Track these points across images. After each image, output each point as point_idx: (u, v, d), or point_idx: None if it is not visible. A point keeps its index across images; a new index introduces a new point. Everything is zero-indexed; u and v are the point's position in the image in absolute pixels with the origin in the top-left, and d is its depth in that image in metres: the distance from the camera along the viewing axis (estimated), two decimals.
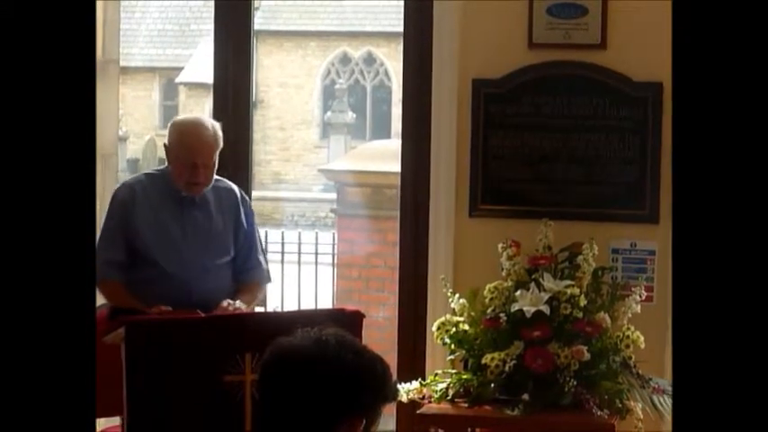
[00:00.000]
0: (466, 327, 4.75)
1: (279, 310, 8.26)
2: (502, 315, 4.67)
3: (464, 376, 4.68)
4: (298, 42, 24.62)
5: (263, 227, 9.63)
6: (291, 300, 9.59)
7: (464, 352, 4.74)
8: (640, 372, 4.64)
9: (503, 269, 4.79)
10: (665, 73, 4.62)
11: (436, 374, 4.80)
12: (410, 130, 5.40)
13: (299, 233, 10.50)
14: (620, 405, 4.55)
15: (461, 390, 4.67)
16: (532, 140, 5.14)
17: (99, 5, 5.63)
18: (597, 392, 4.54)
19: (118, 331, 4.28)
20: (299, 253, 10.04)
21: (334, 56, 24.83)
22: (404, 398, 4.71)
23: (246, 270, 4.74)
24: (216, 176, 4.68)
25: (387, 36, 23.20)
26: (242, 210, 4.75)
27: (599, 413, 4.47)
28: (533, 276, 4.72)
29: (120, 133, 15.79)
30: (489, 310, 4.72)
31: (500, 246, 4.82)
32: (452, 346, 4.76)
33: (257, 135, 20.95)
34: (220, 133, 4.65)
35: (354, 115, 23.62)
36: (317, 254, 10.08)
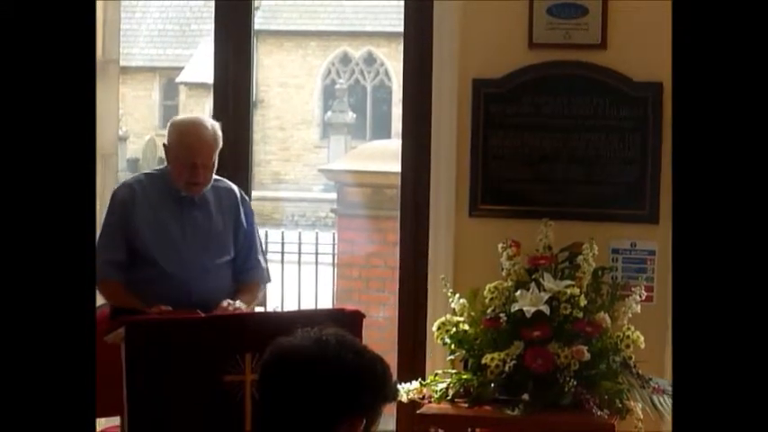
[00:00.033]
0: (466, 327, 4.75)
1: (279, 310, 8.25)
2: (502, 315, 4.67)
3: (464, 376, 4.68)
4: (298, 42, 24.63)
5: (264, 227, 9.63)
6: (291, 300, 9.58)
7: (464, 352, 4.74)
8: (640, 372, 4.64)
9: (503, 269, 4.79)
10: (665, 73, 4.62)
11: (436, 374, 4.80)
12: (410, 130, 5.40)
13: (300, 233, 10.50)
14: (620, 405, 4.55)
15: (461, 390, 4.67)
16: (532, 140, 5.14)
17: (99, 5, 5.63)
18: (597, 392, 4.54)
19: (118, 331, 4.28)
20: (300, 253, 10.04)
21: (334, 56, 24.83)
22: (404, 398, 4.71)
23: (246, 270, 4.74)
24: (215, 176, 4.68)
25: (387, 36, 23.20)
26: (241, 210, 4.75)
27: (599, 413, 4.47)
28: (533, 276, 4.72)
29: (121, 133, 15.79)
30: (489, 310, 4.72)
31: (500, 246, 4.82)
32: (452, 346, 4.76)
33: (257, 135, 20.97)
34: (220, 133, 4.65)
35: (354, 115, 23.62)
36: (317, 254, 10.08)
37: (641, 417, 4.54)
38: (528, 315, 4.59)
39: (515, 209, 5.14)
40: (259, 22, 21.79)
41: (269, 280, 4.92)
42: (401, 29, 5.47)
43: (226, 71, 5.61)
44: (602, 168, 5.09)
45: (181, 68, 24.26)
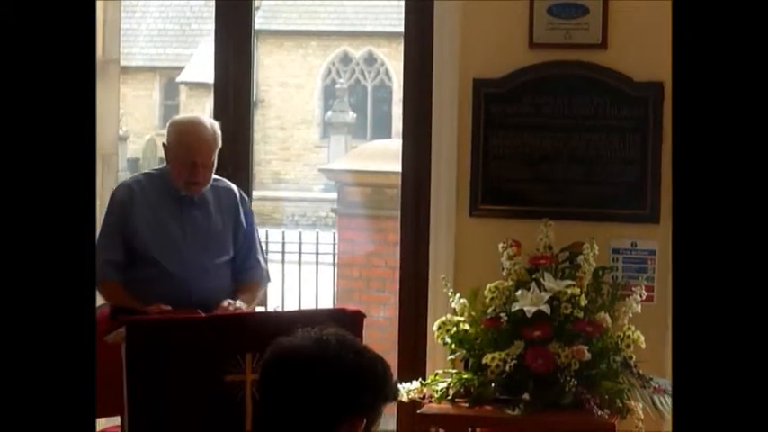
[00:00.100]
0: (466, 326, 4.74)
1: (279, 309, 8.25)
2: (502, 315, 4.67)
3: (465, 376, 4.68)
4: (298, 42, 24.62)
5: (264, 227, 9.64)
6: (292, 299, 9.59)
7: (465, 352, 4.74)
8: (641, 371, 4.64)
9: (503, 269, 4.79)
10: (665, 73, 4.62)
11: (437, 374, 4.80)
12: (411, 130, 5.40)
13: (300, 233, 10.50)
14: (620, 405, 4.55)
15: (462, 389, 4.66)
16: (533, 140, 5.14)
17: (99, 5, 5.63)
18: (598, 392, 4.54)
19: (118, 330, 4.28)
20: (300, 253, 10.04)
21: (334, 55, 24.83)
22: (404, 397, 4.70)
23: (245, 270, 4.74)
24: (215, 176, 4.68)
25: (387, 36, 23.19)
26: (241, 210, 4.75)
27: (599, 413, 4.46)
28: (534, 276, 4.72)
29: (121, 133, 15.80)
30: (490, 310, 4.72)
31: (500, 245, 4.82)
32: (453, 346, 4.76)
33: (257, 135, 20.96)
34: (219, 132, 4.65)
35: (355, 115, 23.62)
36: (317, 254, 10.08)
37: (642, 416, 4.54)
38: (528, 315, 4.59)
39: (516, 209, 5.13)
40: (259, 21, 21.78)
41: (269, 280, 4.92)
42: (401, 29, 5.47)
43: (226, 71, 5.61)
44: (602, 168, 5.09)
45: (181, 68, 24.25)
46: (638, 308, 4.73)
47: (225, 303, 4.53)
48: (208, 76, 8.77)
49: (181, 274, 4.55)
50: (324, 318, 3.24)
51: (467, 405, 4.63)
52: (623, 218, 5.07)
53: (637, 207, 5.06)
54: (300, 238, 10.09)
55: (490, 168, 5.17)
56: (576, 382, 4.51)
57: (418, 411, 4.69)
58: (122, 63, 6.51)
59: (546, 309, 4.59)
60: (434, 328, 4.81)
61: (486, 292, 4.74)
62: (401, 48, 5.52)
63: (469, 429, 4.74)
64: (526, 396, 4.51)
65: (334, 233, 9.95)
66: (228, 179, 4.85)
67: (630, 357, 4.65)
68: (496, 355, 4.58)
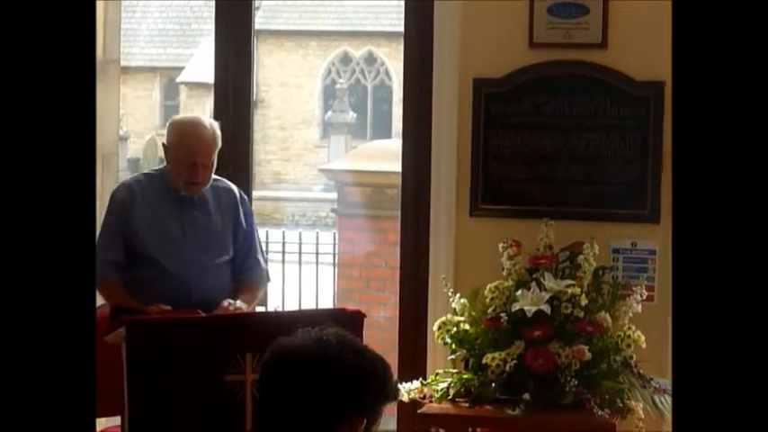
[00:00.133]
0: (467, 326, 4.74)
1: (280, 309, 8.25)
2: (503, 315, 4.67)
3: (465, 376, 4.68)
4: (298, 42, 24.62)
5: (264, 227, 9.64)
6: (292, 299, 9.59)
7: (465, 352, 4.74)
8: (641, 371, 4.64)
9: (503, 269, 4.79)
10: (666, 72, 4.62)
11: (437, 374, 4.80)
12: (411, 130, 5.40)
13: (300, 233, 10.50)
14: (621, 405, 4.55)
15: (462, 389, 4.66)
16: (533, 140, 5.14)
17: (99, 5, 5.63)
18: (598, 392, 4.54)
19: (119, 330, 4.28)
20: (300, 253, 10.05)
21: (334, 55, 24.82)
22: (405, 397, 4.70)
23: (245, 270, 4.74)
24: (215, 176, 4.68)
25: (387, 36, 23.19)
26: (241, 210, 4.75)
27: (600, 413, 4.46)
28: (534, 276, 4.72)
29: (121, 133, 15.78)
30: (490, 310, 4.72)
31: (501, 245, 4.82)
32: (453, 346, 4.76)
33: (257, 135, 20.96)
34: (219, 132, 4.65)
35: (355, 115, 23.61)
36: (317, 254, 10.08)
37: (642, 416, 4.54)
38: (529, 315, 4.59)
39: (516, 208, 5.13)
40: (259, 21, 21.79)
41: (268, 280, 4.92)
42: (401, 29, 5.47)
43: (226, 71, 5.61)
44: (602, 168, 5.09)
45: (181, 68, 24.25)
46: (639, 308, 4.73)
47: (225, 303, 4.53)
48: (208, 76, 8.76)
49: (181, 274, 4.55)
50: (324, 318, 3.24)
51: (467, 405, 4.63)
52: (623, 218, 5.07)
53: (637, 207, 5.06)
54: (300, 238, 10.10)
55: (490, 168, 5.17)
56: (576, 382, 4.51)
57: (418, 411, 4.69)
58: (122, 63, 6.51)
59: (546, 309, 4.59)
60: (435, 328, 4.81)
61: (486, 292, 4.74)
62: (401, 48, 5.52)
63: (470, 429, 4.74)
64: (526, 396, 4.51)
65: (334, 233, 9.95)
66: (228, 179, 4.85)
67: (631, 357, 4.64)
68: (497, 355, 4.58)
